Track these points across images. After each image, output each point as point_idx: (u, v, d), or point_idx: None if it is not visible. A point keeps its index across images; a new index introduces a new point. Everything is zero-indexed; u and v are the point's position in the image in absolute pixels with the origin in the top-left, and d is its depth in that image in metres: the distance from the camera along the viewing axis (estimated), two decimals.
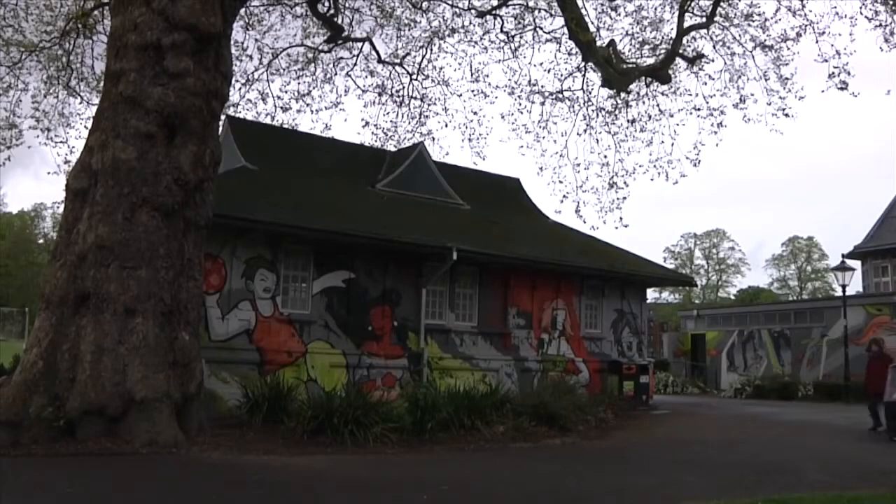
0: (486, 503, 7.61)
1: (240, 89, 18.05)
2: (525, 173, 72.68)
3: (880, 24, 14.36)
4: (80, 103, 16.87)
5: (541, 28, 16.96)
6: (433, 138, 20.58)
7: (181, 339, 10.10)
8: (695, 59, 16.40)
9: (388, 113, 20.12)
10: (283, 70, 18.25)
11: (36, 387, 9.32)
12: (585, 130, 17.47)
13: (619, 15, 17.73)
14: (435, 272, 15.83)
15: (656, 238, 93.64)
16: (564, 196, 17.38)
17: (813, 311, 29.02)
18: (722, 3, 15.67)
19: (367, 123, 19.15)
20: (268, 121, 18.51)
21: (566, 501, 7.72)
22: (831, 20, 23.48)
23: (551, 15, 16.71)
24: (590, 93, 17.57)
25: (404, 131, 19.12)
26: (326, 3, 16.71)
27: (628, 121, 17.25)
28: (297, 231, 14.13)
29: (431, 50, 18.13)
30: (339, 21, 17.14)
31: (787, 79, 15.64)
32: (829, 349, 26.58)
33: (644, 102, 17.22)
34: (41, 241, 59.08)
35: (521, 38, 17.34)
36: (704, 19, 15.88)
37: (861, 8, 14.52)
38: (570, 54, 16.99)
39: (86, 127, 14.70)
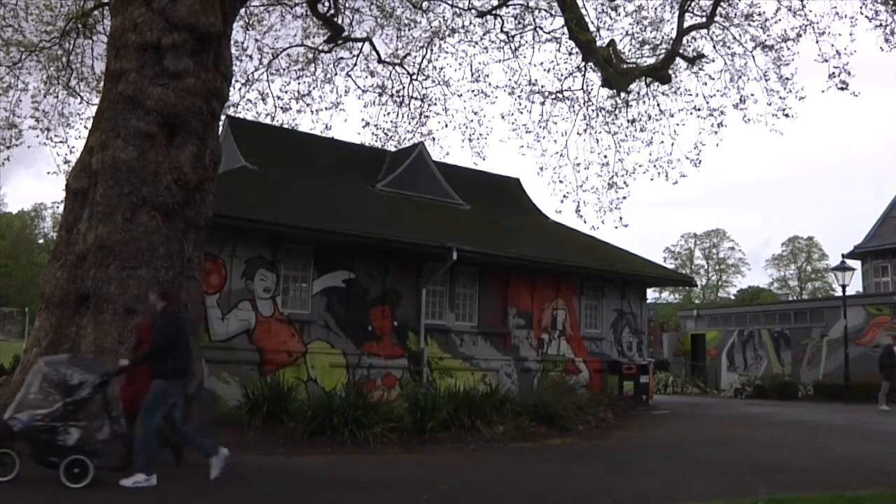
0: (485, 503, 7.62)
1: (240, 89, 18.07)
2: (525, 173, 72.68)
3: (880, 24, 14.34)
4: (80, 103, 16.84)
5: (541, 28, 16.95)
6: (433, 138, 20.57)
7: None
8: (695, 59, 16.37)
9: (388, 113, 20.11)
10: (283, 70, 18.23)
11: None
12: (585, 130, 17.44)
13: (619, 15, 17.68)
14: (435, 272, 15.83)
15: (656, 238, 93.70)
16: (564, 196, 17.36)
17: (813, 311, 28.99)
18: (722, 3, 15.65)
19: (367, 123, 19.13)
20: (268, 121, 18.50)
21: (566, 501, 7.72)
22: (831, 20, 23.51)
23: (551, 15, 16.71)
24: (590, 93, 17.55)
25: (404, 131, 19.12)
26: (326, 3, 16.70)
27: (628, 121, 17.23)
28: (297, 231, 14.13)
29: (431, 50, 18.12)
30: (339, 21, 17.13)
31: (787, 79, 15.61)
32: (829, 349, 26.57)
33: (644, 102, 17.21)
34: (41, 241, 59.08)
35: (521, 38, 17.33)
36: (704, 19, 15.86)
37: (861, 8, 14.52)
38: (570, 54, 16.98)
39: (86, 127, 14.71)
